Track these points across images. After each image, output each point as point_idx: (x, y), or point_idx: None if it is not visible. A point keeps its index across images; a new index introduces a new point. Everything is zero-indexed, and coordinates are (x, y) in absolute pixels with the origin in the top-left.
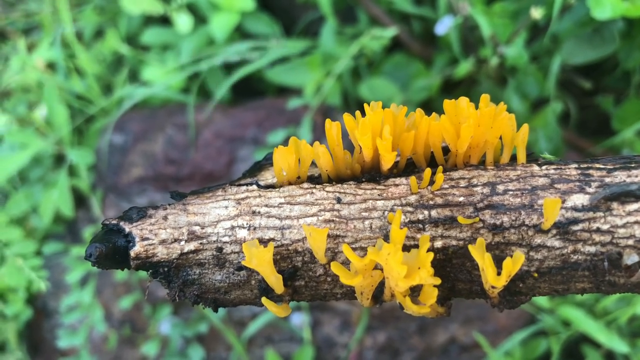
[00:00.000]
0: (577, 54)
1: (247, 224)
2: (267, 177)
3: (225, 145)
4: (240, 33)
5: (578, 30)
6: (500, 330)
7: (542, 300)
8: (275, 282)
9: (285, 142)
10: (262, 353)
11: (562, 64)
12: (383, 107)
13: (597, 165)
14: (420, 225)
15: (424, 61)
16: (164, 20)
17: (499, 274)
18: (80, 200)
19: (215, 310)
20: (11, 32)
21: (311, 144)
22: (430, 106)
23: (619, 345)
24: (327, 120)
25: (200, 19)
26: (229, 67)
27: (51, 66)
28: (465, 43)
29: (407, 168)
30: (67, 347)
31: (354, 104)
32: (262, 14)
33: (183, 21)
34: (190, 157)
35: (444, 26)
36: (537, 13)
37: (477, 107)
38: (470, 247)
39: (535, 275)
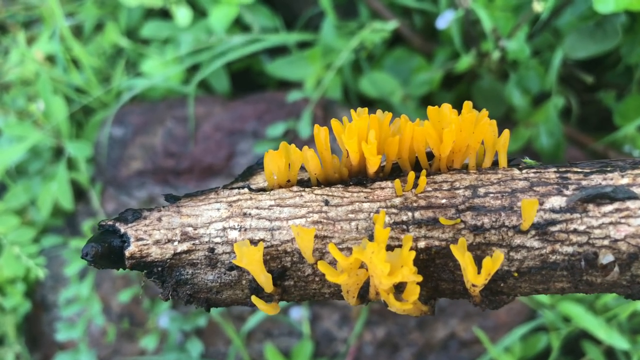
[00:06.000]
0: (579, 48)
1: (238, 225)
2: (259, 181)
3: (225, 139)
4: (240, 26)
5: (580, 23)
6: (500, 325)
7: (542, 296)
8: (265, 281)
9: (284, 136)
10: (261, 347)
11: (563, 59)
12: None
13: (575, 169)
14: (404, 226)
15: (425, 55)
16: (165, 14)
17: (479, 272)
18: (79, 193)
19: (208, 310)
20: (11, 25)
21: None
22: (431, 101)
23: (619, 342)
24: (316, 126)
25: (200, 12)
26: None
27: (51, 59)
28: (467, 37)
29: (393, 172)
30: (66, 341)
31: (354, 98)
32: (262, 6)
33: (182, 14)
34: (189, 150)
35: (445, 20)
36: (539, 6)
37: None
38: (451, 246)
39: (516, 275)
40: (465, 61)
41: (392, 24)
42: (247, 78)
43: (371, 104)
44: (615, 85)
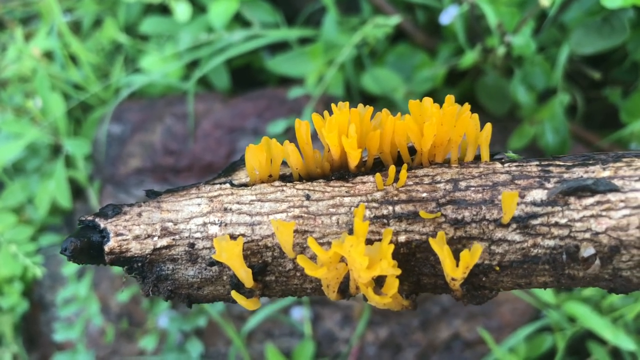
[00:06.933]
0: (586, 43)
1: (218, 220)
2: (241, 176)
3: (225, 136)
4: (240, 22)
5: (587, 19)
6: (505, 326)
7: (547, 296)
8: (245, 276)
9: (286, 133)
10: (262, 348)
11: (569, 55)
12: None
13: (557, 163)
14: (385, 220)
15: (428, 51)
16: (164, 10)
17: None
18: (77, 191)
19: (189, 306)
20: (9, 21)
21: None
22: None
23: (626, 343)
24: (297, 120)
25: (199, 8)
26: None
27: (49, 55)
28: (471, 32)
29: (376, 167)
30: (64, 341)
31: (356, 95)
32: (262, 1)
33: (182, 9)
34: (189, 148)
35: (449, 15)
36: (546, 1)
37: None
38: (430, 239)
39: (497, 269)
40: (470, 57)
41: (394, 20)
42: (247, 74)
43: (374, 100)
44: (621, 82)
